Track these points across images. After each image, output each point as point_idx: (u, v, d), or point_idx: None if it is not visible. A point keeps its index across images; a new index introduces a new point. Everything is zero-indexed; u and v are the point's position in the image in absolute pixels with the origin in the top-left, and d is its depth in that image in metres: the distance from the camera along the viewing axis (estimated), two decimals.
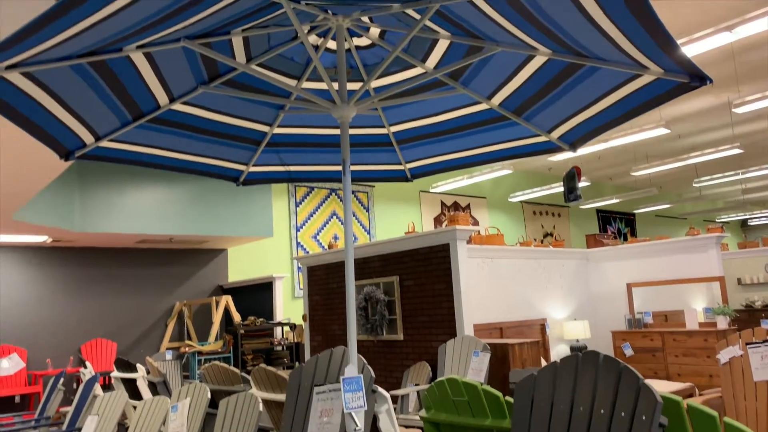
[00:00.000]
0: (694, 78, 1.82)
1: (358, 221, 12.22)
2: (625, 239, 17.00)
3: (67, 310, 9.09)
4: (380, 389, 2.57)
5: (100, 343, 9.24)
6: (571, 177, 4.73)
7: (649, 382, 1.62)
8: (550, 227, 15.36)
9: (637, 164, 14.16)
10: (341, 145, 2.18)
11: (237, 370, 3.76)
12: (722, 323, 6.92)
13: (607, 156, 13.47)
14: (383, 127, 2.80)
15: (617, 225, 17.43)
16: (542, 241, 14.81)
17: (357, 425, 1.90)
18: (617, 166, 14.73)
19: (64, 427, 5.06)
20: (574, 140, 2.55)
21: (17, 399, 8.54)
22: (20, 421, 5.66)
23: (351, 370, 1.96)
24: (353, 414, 1.91)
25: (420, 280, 6.15)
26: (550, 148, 2.67)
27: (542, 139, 2.63)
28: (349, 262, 2.12)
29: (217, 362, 3.94)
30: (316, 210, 11.76)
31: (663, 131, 8.28)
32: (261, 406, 2.94)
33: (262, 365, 3.29)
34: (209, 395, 3.36)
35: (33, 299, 8.84)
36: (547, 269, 8.05)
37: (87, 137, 2.32)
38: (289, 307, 10.86)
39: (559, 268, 8.25)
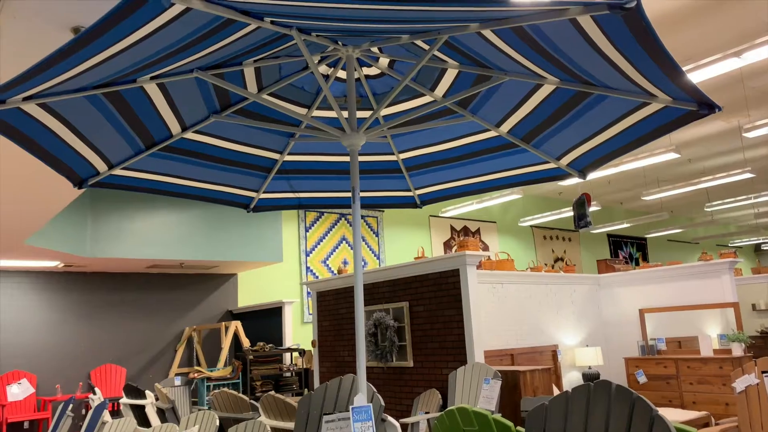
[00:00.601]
0: (703, 106, 1.83)
1: (368, 246, 12.22)
2: (637, 264, 16.86)
3: (77, 335, 9.10)
4: (390, 418, 2.54)
5: (109, 369, 9.23)
6: (581, 204, 4.72)
7: (663, 411, 1.59)
8: (561, 252, 15.27)
9: (648, 188, 14.10)
10: (351, 172, 2.20)
11: (246, 397, 3.73)
12: (737, 350, 6.80)
13: (617, 180, 13.44)
14: (392, 154, 2.82)
15: (629, 249, 17.31)
16: (553, 266, 14.72)
17: None
18: (628, 191, 14.68)
19: None
20: (583, 167, 2.55)
21: (26, 425, 8.52)
22: None
23: (360, 399, 1.95)
24: None
25: (430, 305, 6.12)
26: (559, 175, 2.67)
27: (551, 165, 2.63)
28: (358, 288, 2.12)
29: (225, 389, 3.92)
30: (326, 235, 11.78)
31: (673, 156, 8.27)
32: None
33: (271, 393, 3.27)
34: (218, 423, 3.34)
35: (43, 324, 8.87)
36: (558, 294, 7.99)
37: (100, 165, 2.35)
38: (299, 332, 10.82)
39: (571, 293, 8.18)
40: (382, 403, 2.44)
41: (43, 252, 7.33)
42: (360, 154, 2.80)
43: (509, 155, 2.65)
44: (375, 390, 2.49)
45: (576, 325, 8.11)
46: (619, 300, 8.43)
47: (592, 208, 5.65)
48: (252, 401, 3.70)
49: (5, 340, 8.56)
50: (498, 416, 2.11)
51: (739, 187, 14.52)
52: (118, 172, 2.46)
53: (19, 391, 8.36)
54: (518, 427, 2.06)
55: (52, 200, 5.24)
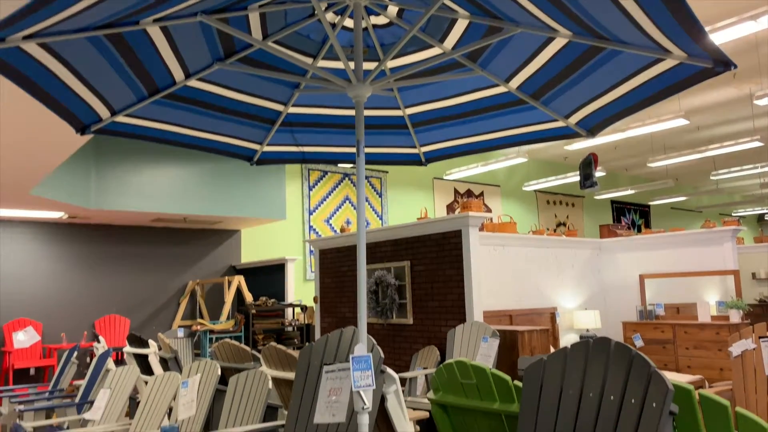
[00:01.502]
0: (718, 63, 1.78)
1: (371, 206, 12.22)
2: (639, 231, 16.86)
3: (81, 285, 9.20)
4: (389, 370, 2.57)
5: (113, 319, 9.37)
6: (587, 164, 4.67)
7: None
8: (564, 217, 15.27)
9: (654, 155, 13.99)
10: (356, 125, 2.17)
11: (247, 348, 3.79)
12: (735, 317, 6.86)
13: (623, 146, 13.33)
14: (398, 108, 2.78)
15: (631, 216, 17.29)
16: (555, 231, 14.74)
17: (365, 404, 1.91)
18: (633, 157, 14.57)
19: (77, 399, 5.14)
20: (592, 126, 2.51)
21: (32, 371, 8.70)
22: (35, 392, 5.76)
23: (360, 349, 1.96)
24: (361, 392, 1.91)
25: (431, 265, 6.15)
26: (567, 134, 2.64)
27: (560, 124, 2.59)
28: (361, 239, 2.12)
29: (228, 340, 3.97)
30: (329, 194, 11.78)
31: (682, 122, 8.17)
32: (270, 384, 2.97)
33: (273, 343, 3.31)
34: (219, 372, 3.39)
35: (49, 274, 8.97)
36: (559, 258, 8.01)
37: (103, 111, 2.32)
38: (301, 289, 10.92)
39: (572, 257, 8.20)
40: (382, 355, 2.47)
41: (47, 203, 7.35)
42: (366, 108, 2.76)
43: (517, 112, 2.61)
44: (375, 342, 2.51)
45: (575, 288, 8.16)
46: (619, 265, 8.46)
47: (596, 174, 5.63)
48: (253, 352, 3.76)
49: (10, 289, 8.67)
50: (496, 370, 2.14)
51: (746, 155, 14.40)
52: (120, 119, 2.43)
53: (24, 338, 8.50)
54: (515, 381, 2.08)
55: (56, 149, 5.22)
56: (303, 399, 2.65)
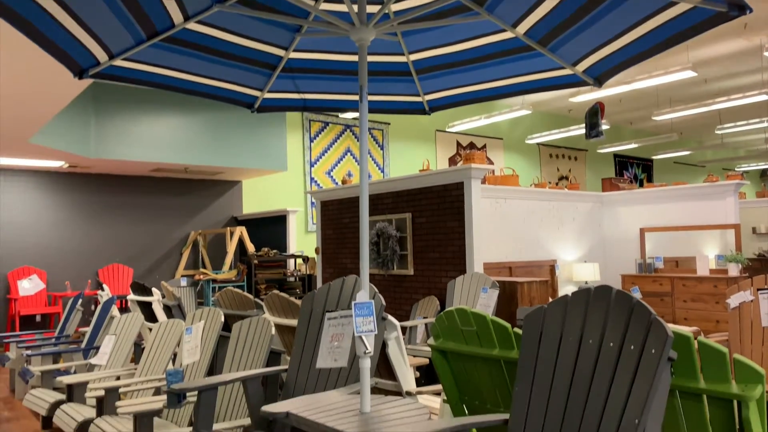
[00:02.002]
0: (733, 7, 1.73)
1: (373, 159, 12.15)
2: (641, 185, 16.80)
3: (84, 235, 9.26)
4: (390, 317, 2.61)
5: (116, 269, 9.46)
6: (593, 113, 4.61)
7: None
8: (566, 171, 15.21)
9: (660, 108, 13.81)
10: (359, 70, 2.12)
11: (250, 296, 3.83)
12: (733, 270, 6.91)
13: (628, 99, 13.14)
14: (402, 54, 2.72)
15: (634, 170, 17.21)
16: (557, 184, 14.70)
17: (367, 348, 1.94)
18: (638, 110, 14.39)
19: (83, 345, 5.24)
20: (599, 74, 2.46)
21: (38, 318, 8.84)
22: (41, 338, 5.87)
23: (363, 296, 1.98)
24: (363, 338, 1.94)
25: (432, 217, 6.16)
26: (573, 83, 2.59)
27: (567, 72, 2.54)
28: (364, 185, 2.11)
29: (230, 288, 4.01)
30: (331, 146, 11.69)
31: (689, 74, 8.02)
32: (273, 330, 3.01)
33: (275, 291, 3.35)
34: (223, 319, 3.44)
35: (51, 223, 9.00)
36: (560, 211, 8.02)
37: (100, 55, 2.27)
38: (302, 240, 10.98)
39: (573, 210, 8.21)
40: (383, 303, 2.50)
41: (47, 151, 7.31)
42: (369, 54, 2.70)
43: (523, 59, 2.55)
44: (377, 290, 2.54)
45: (576, 241, 8.20)
46: (620, 218, 8.47)
47: (597, 139, 5.55)
48: (256, 300, 3.81)
49: (14, 237, 8.72)
50: (496, 318, 2.16)
51: (752, 109, 14.22)
52: (118, 63, 2.38)
53: (29, 286, 8.61)
54: (515, 329, 2.11)
55: (55, 95, 5.15)
56: (305, 345, 2.69)
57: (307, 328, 2.71)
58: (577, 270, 7.90)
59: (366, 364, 1.98)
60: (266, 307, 3.45)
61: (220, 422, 3.00)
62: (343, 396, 2.18)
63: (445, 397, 2.41)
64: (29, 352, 4.77)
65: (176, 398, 2.33)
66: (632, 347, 1.57)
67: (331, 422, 1.83)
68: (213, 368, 3.72)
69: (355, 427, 1.80)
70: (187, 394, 2.61)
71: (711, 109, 10.65)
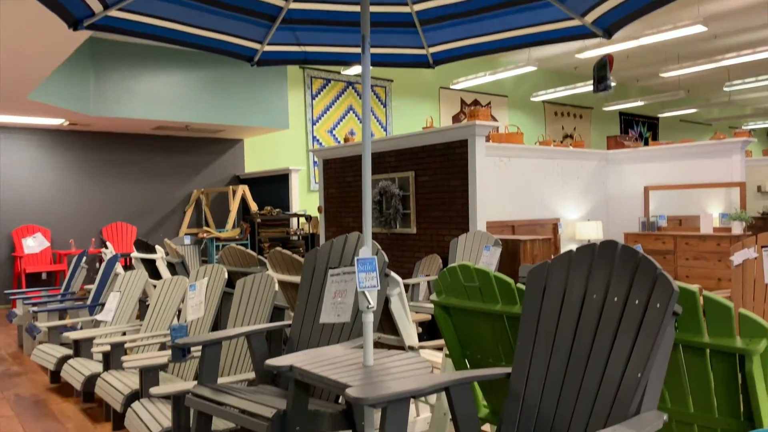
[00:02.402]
0: None
1: (375, 117, 12.02)
2: (647, 143, 16.65)
3: (87, 193, 9.25)
4: (393, 273, 2.60)
5: (120, 227, 9.48)
6: (602, 66, 4.51)
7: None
8: (571, 129, 15.05)
9: (668, 65, 13.56)
10: (361, 19, 2.06)
11: (254, 253, 3.84)
12: (737, 229, 6.89)
13: (636, 55, 12.89)
14: (406, 5, 2.64)
15: (639, 128, 17.03)
16: (562, 143, 14.57)
17: (370, 303, 1.94)
18: (646, 67, 14.13)
19: (88, 302, 5.29)
20: (609, 25, 2.38)
21: (44, 276, 8.92)
22: (47, 295, 5.92)
23: (365, 252, 1.97)
24: (366, 293, 1.93)
25: (435, 175, 6.12)
26: (582, 34, 2.51)
27: (575, 23, 2.46)
28: (366, 138, 2.07)
29: (233, 245, 4.02)
30: (333, 104, 11.55)
31: (699, 29, 7.83)
32: (277, 286, 3.02)
33: (278, 248, 3.35)
34: (226, 275, 3.45)
35: (54, 181, 8.98)
36: (564, 170, 7.96)
37: (95, 5, 2.21)
38: (305, 199, 10.97)
39: (577, 169, 8.15)
40: (386, 259, 2.49)
41: (46, 108, 7.23)
42: (372, 4, 2.62)
43: (531, 10, 2.47)
44: (380, 247, 2.52)
45: (579, 200, 8.17)
46: (625, 177, 8.41)
47: (605, 92, 5.44)
48: (259, 257, 3.82)
49: (17, 196, 8.71)
50: (499, 273, 2.16)
51: (762, 66, 13.95)
52: (114, 13, 2.31)
53: (34, 244, 8.65)
54: (518, 284, 2.10)
55: (51, 49, 5.05)
56: (309, 301, 2.70)
57: (310, 284, 2.72)
58: (580, 228, 7.90)
59: (369, 319, 1.98)
60: (269, 264, 3.45)
61: (225, 376, 3.04)
62: (347, 350, 2.20)
63: (447, 352, 2.42)
64: (35, 308, 4.82)
65: (180, 353, 2.35)
66: (637, 302, 1.56)
67: (335, 375, 1.84)
68: (217, 324, 3.76)
69: (358, 379, 1.81)
70: (191, 348, 2.64)
71: (720, 66, 10.44)
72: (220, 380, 2.74)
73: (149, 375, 2.97)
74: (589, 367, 1.64)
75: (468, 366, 2.39)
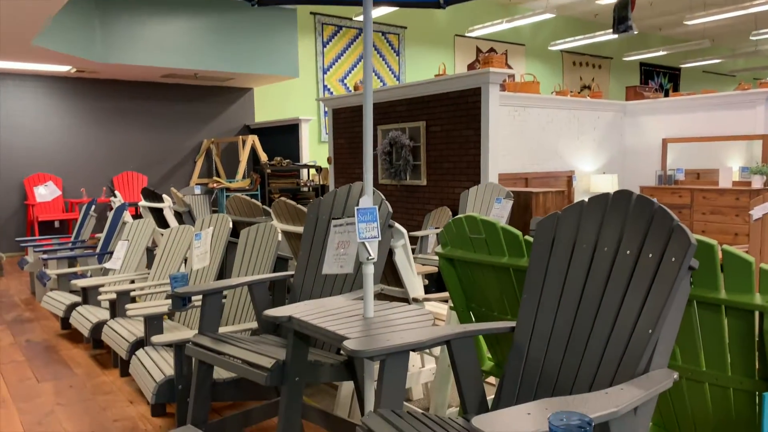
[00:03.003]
0: None
1: (388, 65, 11.74)
2: (667, 95, 16.21)
3: (98, 142, 9.20)
4: (397, 225, 2.53)
5: (130, 176, 9.47)
6: (623, 5, 4.29)
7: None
8: (589, 80, 14.64)
9: (693, 12, 13.02)
10: None
11: (259, 203, 3.77)
12: (758, 183, 6.70)
13: (659, 2, 12.37)
14: None
15: (660, 80, 16.53)
16: (579, 93, 14.21)
17: (370, 255, 1.87)
18: (670, 15, 13.59)
19: (98, 250, 5.30)
20: None
21: (57, 224, 8.98)
22: (58, 243, 5.95)
23: (366, 201, 1.88)
24: (366, 244, 1.86)
25: (447, 125, 5.96)
26: None
27: None
28: (368, 75, 1.96)
29: (239, 194, 3.95)
30: (344, 51, 11.27)
31: None
32: (280, 236, 2.96)
33: (282, 198, 3.28)
34: (231, 225, 3.40)
35: (64, 130, 8.93)
36: (581, 121, 7.75)
37: None
38: (315, 150, 10.85)
39: (594, 120, 7.93)
40: (390, 210, 2.41)
41: (51, 54, 7.10)
42: None
43: None
44: (384, 197, 2.44)
45: (595, 152, 7.98)
46: (643, 129, 8.18)
47: (627, 34, 5.19)
48: (265, 207, 3.75)
49: (28, 144, 8.69)
50: (506, 225, 2.07)
51: None
52: None
53: (46, 192, 8.68)
54: (526, 236, 2.02)
55: None
56: (311, 251, 2.64)
57: (313, 235, 2.65)
58: (595, 181, 7.74)
59: (369, 271, 1.91)
60: (274, 214, 3.39)
61: (229, 325, 3.02)
62: (348, 301, 2.14)
63: (452, 304, 2.37)
64: (45, 256, 4.84)
65: (180, 301, 2.32)
66: (650, 255, 1.47)
67: (333, 326, 1.79)
68: (223, 273, 3.73)
69: (357, 331, 1.76)
70: (193, 298, 2.61)
71: (747, 13, 9.98)
72: (224, 329, 2.72)
73: (153, 323, 2.96)
74: (597, 323, 1.56)
75: (473, 319, 2.33)
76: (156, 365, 2.76)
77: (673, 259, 1.40)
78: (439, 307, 3.15)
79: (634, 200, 1.56)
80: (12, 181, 8.61)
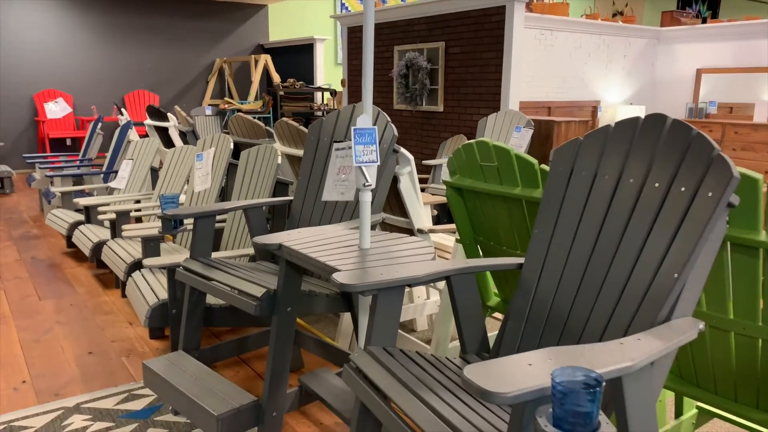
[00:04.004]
0: None
1: None
2: (705, 22, 15.30)
3: (109, 59, 8.94)
4: (403, 150, 2.34)
5: (142, 94, 9.26)
6: None
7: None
8: (623, 5, 13.81)
9: None
10: None
11: (262, 124, 3.58)
12: None
13: None
14: None
15: (698, 7, 15.57)
16: (612, 18, 13.46)
17: (367, 181, 1.69)
18: None
19: (104, 168, 5.20)
20: None
21: (68, 142, 8.89)
22: (65, 160, 5.85)
23: (364, 121, 1.69)
24: (363, 169, 1.69)
25: (468, 47, 5.62)
26: None
27: None
28: None
29: (242, 114, 3.76)
30: None
31: None
32: (280, 159, 2.79)
33: (285, 119, 3.08)
34: (232, 145, 3.23)
35: (74, 45, 8.67)
36: (611, 47, 7.30)
37: None
38: (331, 73, 10.49)
39: (625, 46, 7.47)
40: (395, 133, 2.21)
41: None
42: None
43: None
44: (389, 119, 2.24)
45: (624, 81, 7.57)
46: (677, 57, 7.71)
47: None
48: (268, 128, 3.56)
49: (36, 59, 8.46)
50: (521, 152, 1.87)
51: None
52: None
53: (56, 108, 8.53)
54: (542, 165, 1.82)
55: None
56: (311, 176, 2.47)
57: (313, 158, 2.48)
58: (622, 113, 7.38)
59: (366, 198, 1.74)
60: (276, 136, 3.21)
61: (226, 250, 2.92)
62: (345, 230, 1.99)
63: (459, 237, 2.21)
64: (49, 173, 4.73)
65: (170, 224, 2.18)
66: (683, 189, 1.28)
67: (324, 257, 1.65)
68: (224, 196, 3.60)
69: (350, 263, 1.61)
70: (185, 221, 2.48)
71: None
72: (220, 254, 2.61)
73: (149, 245, 2.86)
74: (615, 262, 1.40)
75: (480, 252, 2.18)
76: (151, 288, 2.68)
77: (710, 194, 1.21)
78: (445, 239, 3.00)
79: (669, 125, 1.35)
80: (22, 97, 8.46)
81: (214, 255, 2.45)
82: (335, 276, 1.43)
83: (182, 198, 3.52)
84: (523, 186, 1.87)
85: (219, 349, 2.38)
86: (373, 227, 2.21)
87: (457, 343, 2.49)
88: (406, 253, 1.74)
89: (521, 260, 1.64)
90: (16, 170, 8.48)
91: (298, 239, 1.85)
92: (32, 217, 5.64)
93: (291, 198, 2.56)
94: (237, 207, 2.37)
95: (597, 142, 1.52)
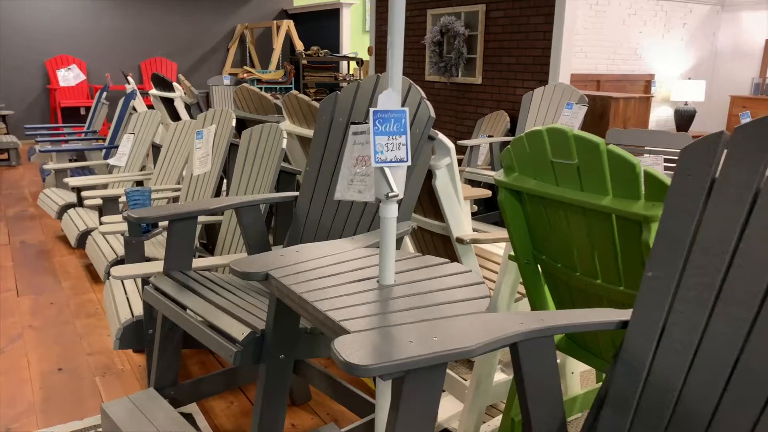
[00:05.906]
0: None
1: None
2: None
3: (124, 23, 8.45)
4: (441, 135, 1.77)
5: (160, 62, 8.78)
6: None
7: None
8: None
9: None
10: None
11: (270, 97, 3.05)
12: None
13: None
14: None
15: None
16: None
17: (392, 189, 1.15)
18: None
19: (106, 143, 4.74)
20: None
21: (82, 111, 8.49)
22: (69, 132, 5.42)
23: (389, 100, 1.14)
24: (386, 171, 1.14)
25: (512, 11, 4.96)
26: None
27: None
28: None
29: (246, 84, 3.22)
30: None
31: None
32: (285, 143, 2.26)
33: (294, 92, 2.53)
34: (234, 122, 2.71)
35: (88, 8, 8.18)
36: (669, 15, 6.53)
37: None
38: (358, 41, 9.85)
39: (685, 14, 6.68)
40: (432, 114, 1.65)
41: None
42: None
43: None
44: (423, 95, 1.68)
45: (682, 53, 6.80)
46: (743, 26, 6.89)
47: None
48: (277, 102, 3.03)
49: (48, 23, 8.01)
50: (615, 147, 1.31)
51: None
52: None
53: (70, 76, 8.11)
54: (648, 168, 1.25)
55: None
56: (322, 167, 1.94)
57: (325, 144, 1.94)
58: (678, 88, 6.64)
59: (390, 212, 1.20)
60: (285, 112, 2.67)
61: (220, 255, 2.41)
62: (361, 250, 1.46)
63: (512, 252, 1.67)
64: (40, 148, 4.29)
65: (139, 228, 1.68)
66: None
67: (327, 302, 1.12)
68: (229, 182, 3.09)
69: (360, 314, 1.08)
70: (159, 223, 1.99)
71: None
72: (208, 261, 2.10)
73: (131, 245, 2.37)
74: None
75: (540, 275, 1.63)
76: (127, 299, 2.19)
77: None
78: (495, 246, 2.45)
79: None
80: (33, 63, 8.04)
81: (204, 262, 1.94)
82: (336, 348, 0.90)
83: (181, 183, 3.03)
84: (614, 195, 1.31)
85: (202, 384, 1.89)
86: (399, 239, 1.67)
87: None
88: (448, 294, 1.20)
89: (626, 316, 1.09)
90: (25, 141, 8.11)
91: (294, 265, 1.32)
92: (33, 193, 5.24)
93: (294, 194, 2.03)
94: (226, 206, 1.85)
95: (758, 142, 0.95)
